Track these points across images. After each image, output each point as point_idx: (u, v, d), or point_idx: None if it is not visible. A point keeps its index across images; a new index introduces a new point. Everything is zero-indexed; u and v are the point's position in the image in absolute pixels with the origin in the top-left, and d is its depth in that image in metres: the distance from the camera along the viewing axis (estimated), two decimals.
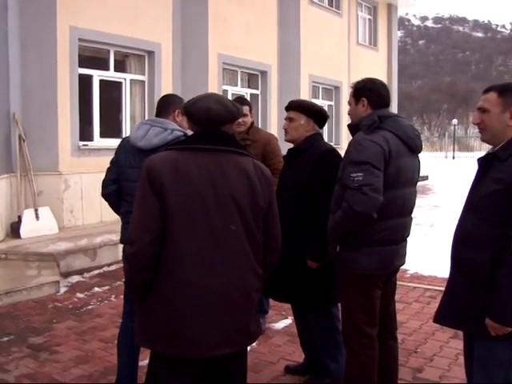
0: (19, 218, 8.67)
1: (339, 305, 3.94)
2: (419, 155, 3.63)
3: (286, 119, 4.14)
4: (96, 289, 6.84)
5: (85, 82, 9.89)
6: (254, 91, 14.43)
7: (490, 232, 2.74)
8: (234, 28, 12.92)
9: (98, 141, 10.12)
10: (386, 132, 3.34)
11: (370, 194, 3.16)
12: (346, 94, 17.18)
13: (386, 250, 3.40)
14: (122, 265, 7.88)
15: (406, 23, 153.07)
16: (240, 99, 5.41)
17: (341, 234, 3.40)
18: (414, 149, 3.49)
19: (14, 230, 8.64)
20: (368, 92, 3.49)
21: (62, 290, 6.83)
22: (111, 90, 10.73)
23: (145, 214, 2.63)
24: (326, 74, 16.52)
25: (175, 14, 11.33)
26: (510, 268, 2.64)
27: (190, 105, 2.82)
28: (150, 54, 10.94)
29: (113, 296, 6.61)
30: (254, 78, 14.43)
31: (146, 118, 3.48)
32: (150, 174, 2.62)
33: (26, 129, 8.91)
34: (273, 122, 14.37)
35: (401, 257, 3.58)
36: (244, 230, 2.74)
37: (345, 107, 16.93)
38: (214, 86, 12.33)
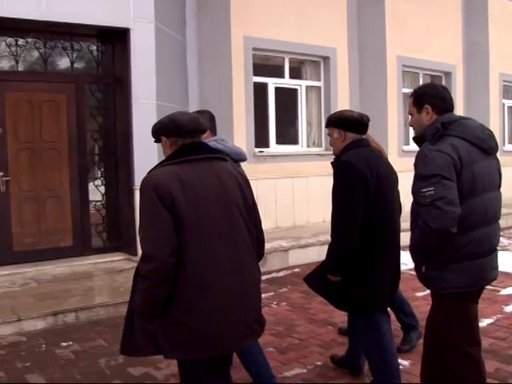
0: None
1: None
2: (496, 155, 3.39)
3: None
4: None
5: (260, 90, 10.12)
6: None
7: None
8: (414, 28, 12.41)
9: (274, 147, 10.28)
10: (454, 138, 3.15)
11: (445, 207, 2.98)
12: None
13: (474, 264, 3.19)
14: (290, 271, 8.10)
15: None
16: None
17: (423, 254, 3.24)
18: (488, 150, 3.26)
19: None
20: (431, 98, 3.33)
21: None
22: (287, 97, 10.85)
23: (159, 229, 2.73)
24: None
25: (350, 17, 11.20)
26: None
27: (175, 119, 3.00)
28: (326, 59, 10.92)
29: (274, 302, 6.64)
30: (437, 79, 13.78)
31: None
32: (159, 190, 2.74)
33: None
34: None
35: (491, 270, 3.33)
36: (245, 227, 2.98)
37: None
38: (393, 89, 12.01)
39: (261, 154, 9.92)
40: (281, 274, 8.13)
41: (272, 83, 10.40)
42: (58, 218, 8.03)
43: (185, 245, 2.76)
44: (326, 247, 8.82)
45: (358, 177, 3.74)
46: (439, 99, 3.33)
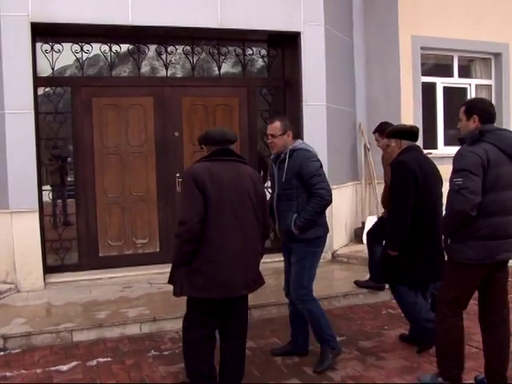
0: (363, 224, 9.04)
1: None
2: None
3: None
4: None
5: (428, 90, 9.84)
6: None
7: None
8: None
9: (441, 149, 9.94)
10: (487, 144, 3.94)
11: (467, 195, 3.85)
12: None
13: (489, 244, 3.98)
14: None
15: None
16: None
17: (449, 229, 4.12)
18: None
19: (358, 235, 9.03)
20: (479, 110, 4.14)
21: None
22: (455, 97, 10.46)
23: (193, 203, 3.89)
24: None
25: None
26: None
27: (209, 132, 4.28)
28: (497, 56, 10.36)
29: None
30: None
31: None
32: (195, 177, 3.92)
33: (371, 138, 9.23)
34: None
35: (504, 251, 4.06)
36: (253, 211, 4.14)
37: None
38: None
39: (429, 155, 9.62)
40: None
41: (440, 83, 10.05)
42: None
43: (208, 216, 3.91)
44: None
45: (409, 171, 4.83)
46: (485, 112, 4.13)
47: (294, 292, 4.90)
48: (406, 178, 4.83)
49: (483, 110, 4.16)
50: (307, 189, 4.72)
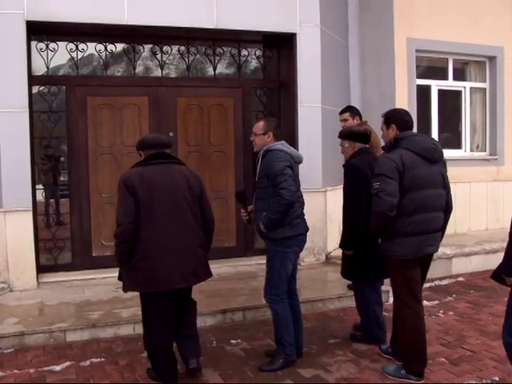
0: None
1: None
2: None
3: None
4: (425, 302, 6.72)
5: (423, 93, 9.86)
6: None
7: None
8: None
9: None
10: (402, 149, 4.37)
11: (384, 197, 4.28)
12: None
13: (413, 239, 4.38)
14: (454, 280, 7.82)
15: None
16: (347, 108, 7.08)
17: (375, 230, 4.54)
18: (431, 159, 4.41)
19: None
20: (395, 120, 4.57)
21: (391, 299, 6.87)
22: (450, 100, 10.49)
23: (125, 206, 4.22)
24: None
25: None
26: None
27: (144, 138, 4.65)
28: (492, 59, 10.40)
29: (441, 311, 6.46)
30: None
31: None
32: (126, 182, 4.25)
33: None
34: None
35: (429, 246, 4.49)
36: (188, 208, 4.41)
37: None
38: None
39: None
40: (444, 282, 7.87)
41: (435, 85, 10.08)
42: (223, 219, 8.24)
43: (140, 217, 4.22)
44: (490, 256, 8.47)
45: (361, 175, 5.07)
46: (401, 121, 4.54)
47: (264, 291, 4.97)
48: (358, 181, 5.09)
49: (399, 119, 4.57)
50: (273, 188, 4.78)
